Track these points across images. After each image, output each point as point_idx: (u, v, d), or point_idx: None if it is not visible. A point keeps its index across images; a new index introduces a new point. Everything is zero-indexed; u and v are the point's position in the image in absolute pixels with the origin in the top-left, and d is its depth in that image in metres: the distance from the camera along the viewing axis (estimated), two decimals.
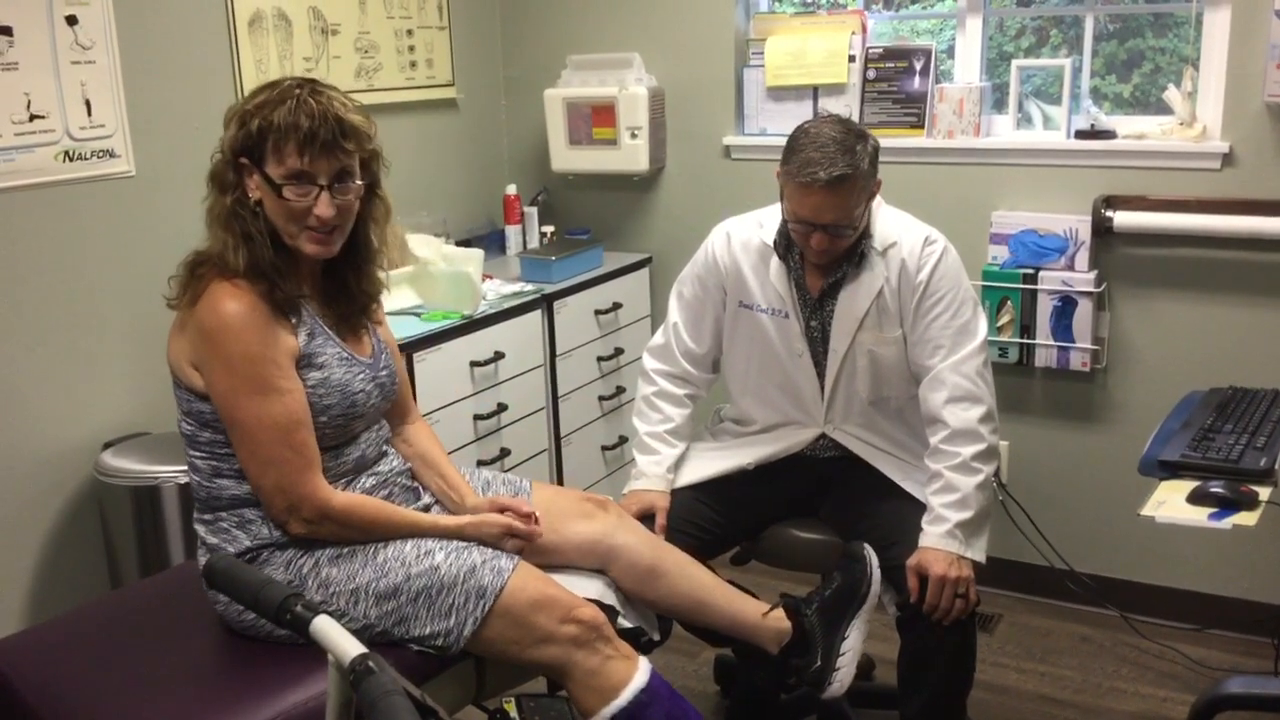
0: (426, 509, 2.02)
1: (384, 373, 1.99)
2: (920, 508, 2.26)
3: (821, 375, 2.40)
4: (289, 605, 1.38)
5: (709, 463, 2.47)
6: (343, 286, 1.94)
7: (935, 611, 2.14)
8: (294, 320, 1.85)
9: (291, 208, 1.79)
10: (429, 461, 2.10)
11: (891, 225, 2.36)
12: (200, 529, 1.91)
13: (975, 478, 2.22)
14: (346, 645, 1.31)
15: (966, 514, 2.19)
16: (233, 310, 1.76)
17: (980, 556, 2.21)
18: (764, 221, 2.44)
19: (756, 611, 2.17)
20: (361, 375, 1.93)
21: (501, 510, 2.00)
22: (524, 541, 1.97)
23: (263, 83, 1.86)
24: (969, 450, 2.22)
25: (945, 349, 2.29)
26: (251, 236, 1.80)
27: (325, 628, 1.35)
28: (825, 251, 2.27)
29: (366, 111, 1.87)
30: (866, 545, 2.19)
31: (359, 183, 1.85)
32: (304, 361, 1.85)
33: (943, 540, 2.18)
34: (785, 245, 2.38)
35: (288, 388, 1.80)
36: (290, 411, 1.79)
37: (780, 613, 2.17)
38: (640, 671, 1.87)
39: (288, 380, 1.80)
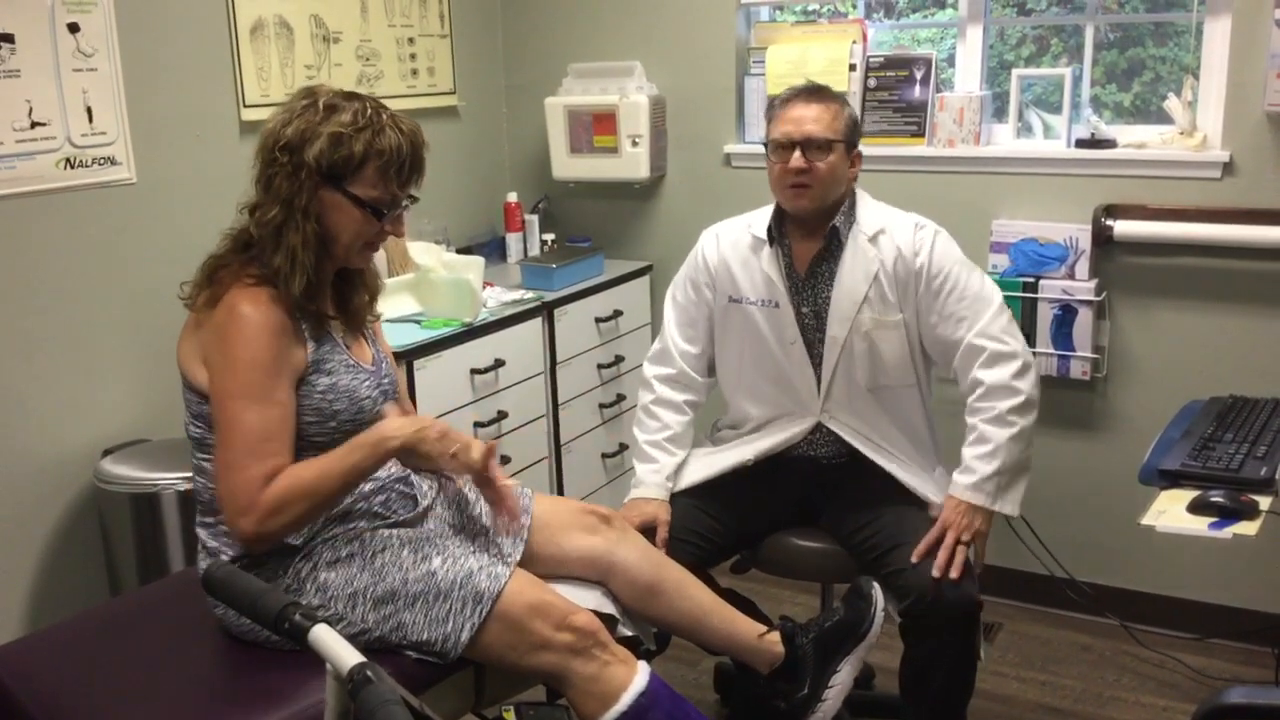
0: (425, 512, 2.02)
1: (386, 380, 2.01)
2: (922, 510, 2.27)
3: (817, 364, 2.41)
4: (287, 614, 1.38)
5: (707, 466, 2.47)
6: (349, 284, 1.98)
7: (934, 557, 2.15)
8: (306, 328, 1.86)
9: (381, 228, 1.87)
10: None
11: (877, 213, 2.41)
12: (202, 533, 1.92)
13: (1009, 430, 2.24)
14: (345, 654, 1.31)
15: (994, 464, 2.22)
16: (250, 314, 1.78)
17: (1011, 509, 2.25)
18: (753, 221, 2.48)
19: (752, 633, 2.16)
20: (367, 382, 1.94)
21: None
22: (469, 461, 1.91)
23: (314, 94, 1.84)
24: (1005, 404, 2.25)
25: (969, 319, 2.32)
26: (310, 250, 1.82)
27: (323, 637, 1.34)
28: (803, 174, 2.29)
29: None
30: (875, 584, 2.18)
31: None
32: (313, 368, 1.86)
33: (966, 492, 2.22)
34: (779, 230, 2.41)
35: (280, 400, 1.80)
36: (273, 421, 1.79)
37: (775, 636, 2.16)
38: (639, 675, 1.86)
39: (282, 393, 1.81)
